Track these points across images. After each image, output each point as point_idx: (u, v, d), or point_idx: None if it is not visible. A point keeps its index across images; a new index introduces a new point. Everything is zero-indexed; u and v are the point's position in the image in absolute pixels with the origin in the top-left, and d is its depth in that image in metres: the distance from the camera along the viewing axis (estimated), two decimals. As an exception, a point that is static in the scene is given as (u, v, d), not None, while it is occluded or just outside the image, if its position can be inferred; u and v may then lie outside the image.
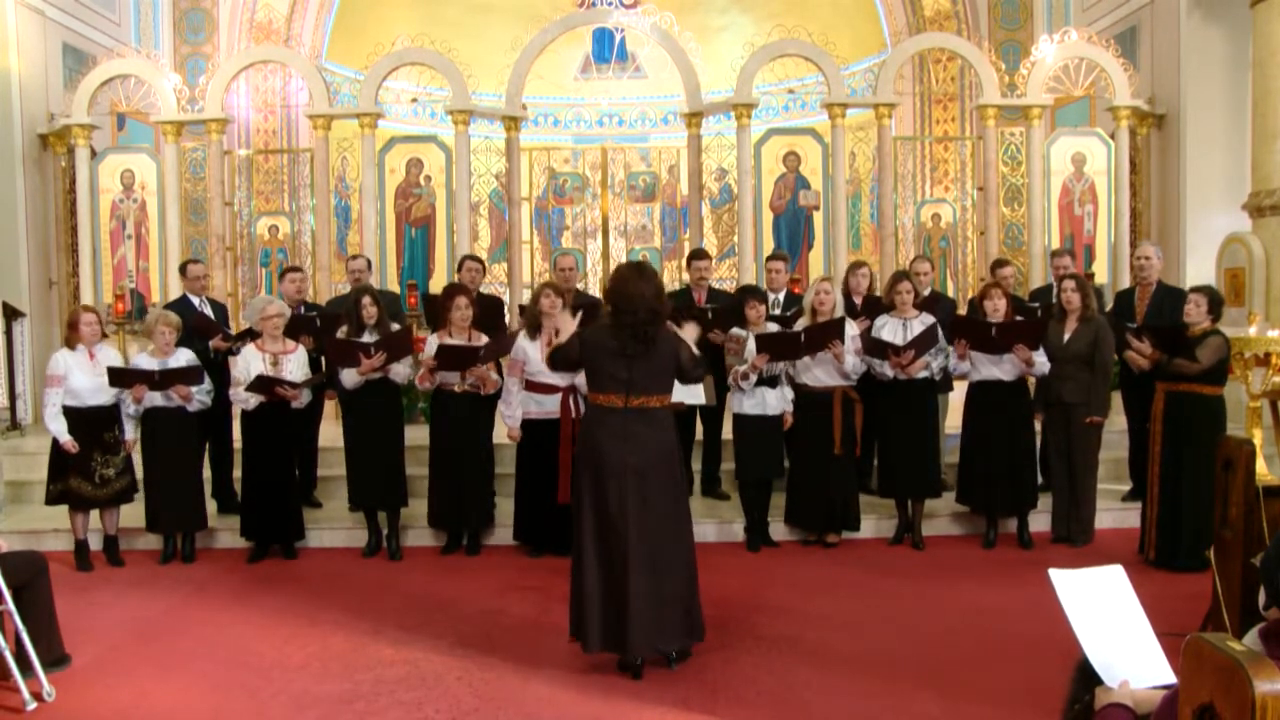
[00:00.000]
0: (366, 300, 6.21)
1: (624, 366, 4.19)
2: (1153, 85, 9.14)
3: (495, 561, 6.09)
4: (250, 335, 6.39)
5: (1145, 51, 9.26)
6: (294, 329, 6.46)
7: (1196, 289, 5.65)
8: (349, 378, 6.05)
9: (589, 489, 4.25)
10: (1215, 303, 5.53)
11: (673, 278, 10.47)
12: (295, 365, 6.12)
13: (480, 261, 7.22)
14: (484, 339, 6.09)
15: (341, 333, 6.21)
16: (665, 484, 4.23)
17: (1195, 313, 5.51)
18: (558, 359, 4.44)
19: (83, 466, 5.92)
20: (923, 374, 6.10)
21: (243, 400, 6.00)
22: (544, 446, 5.91)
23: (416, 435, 6.66)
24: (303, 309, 6.91)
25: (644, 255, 11.31)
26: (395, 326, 6.28)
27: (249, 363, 6.02)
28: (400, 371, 6.12)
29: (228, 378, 6.43)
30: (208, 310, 6.97)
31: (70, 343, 6.04)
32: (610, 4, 12.46)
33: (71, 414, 5.90)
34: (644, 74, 13.96)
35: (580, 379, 5.72)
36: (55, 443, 5.95)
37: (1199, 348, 5.45)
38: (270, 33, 11.68)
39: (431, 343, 6.07)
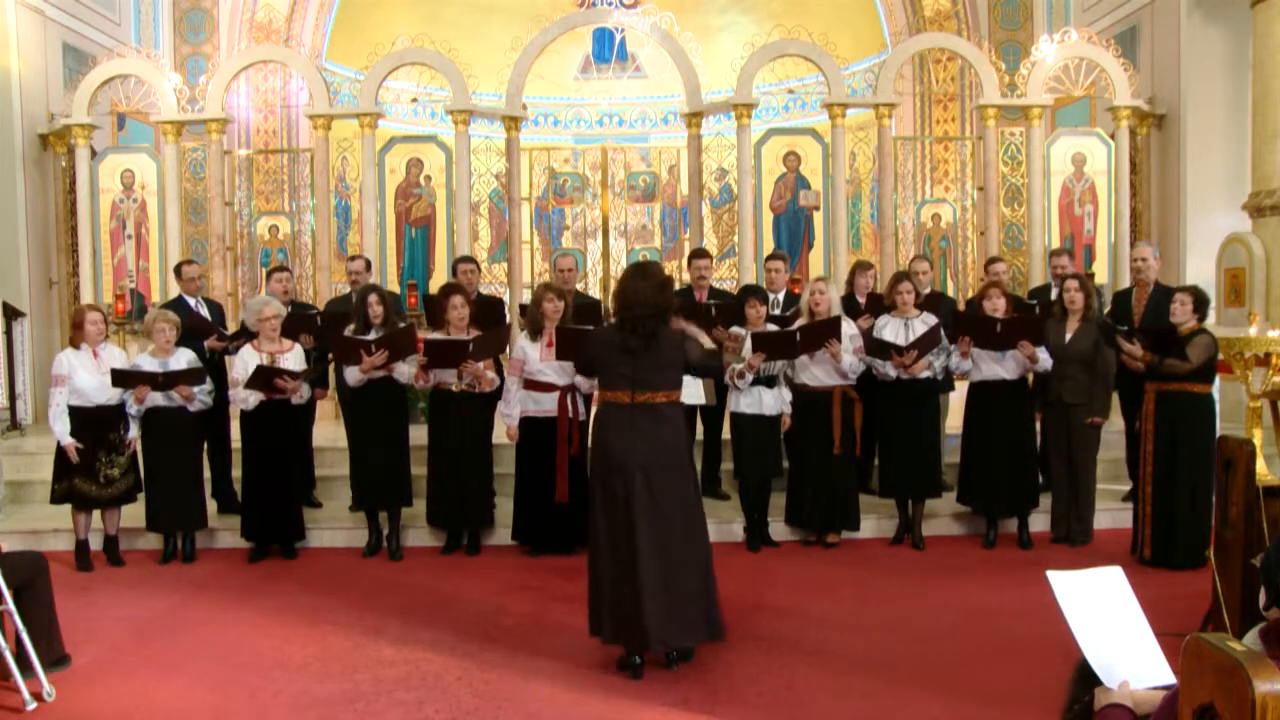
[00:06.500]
0: (373, 298, 6.20)
1: (628, 362, 4.23)
2: (1153, 85, 9.13)
3: (495, 561, 6.09)
4: (245, 335, 6.38)
5: (1145, 51, 9.25)
6: (295, 326, 6.46)
7: (1182, 289, 5.77)
8: (352, 375, 6.05)
9: (599, 485, 4.30)
10: (1201, 302, 5.64)
11: (673, 277, 10.46)
12: (292, 363, 6.12)
13: (474, 262, 7.21)
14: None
15: (348, 331, 6.21)
16: (674, 480, 4.25)
17: (1181, 312, 5.60)
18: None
19: (87, 466, 5.91)
20: (925, 373, 6.10)
21: (243, 400, 6.00)
22: (543, 445, 5.92)
23: (416, 435, 6.66)
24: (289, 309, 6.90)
25: (644, 255, 11.33)
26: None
27: (246, 363, 6.02)
28: (404, 370, 6.11)
29: (224, 377, 6.43)
30: (204, 310, 6.97)
31: (75, 342, 6.04)
32: (610, 4, 12.46)
33: (77, 414, 5.90)
34: (644, 74, 13.96)
35: (579, 379, 5.76)
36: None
37: (1189, 347, 5.53)
38: (270, 33, 11.68)
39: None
